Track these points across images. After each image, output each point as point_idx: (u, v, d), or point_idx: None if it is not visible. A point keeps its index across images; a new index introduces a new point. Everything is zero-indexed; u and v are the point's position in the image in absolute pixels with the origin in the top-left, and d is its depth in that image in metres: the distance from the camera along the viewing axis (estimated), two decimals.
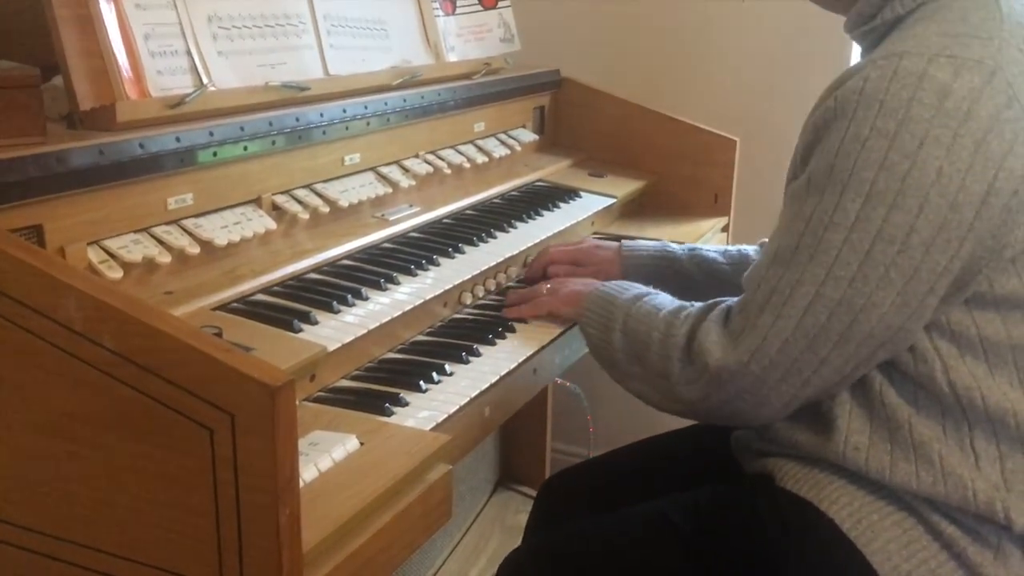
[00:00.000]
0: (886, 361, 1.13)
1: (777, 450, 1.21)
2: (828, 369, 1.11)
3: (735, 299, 1.19)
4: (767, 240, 1.21)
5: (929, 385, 1.11)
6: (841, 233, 1.07)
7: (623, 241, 1.66)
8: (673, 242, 1.68)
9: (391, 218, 1.59)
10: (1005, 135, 1.03)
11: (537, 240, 1.69)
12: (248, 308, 1.24)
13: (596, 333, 1.31)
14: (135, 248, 1.20)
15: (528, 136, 2.10)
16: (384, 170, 1.66)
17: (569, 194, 1.94)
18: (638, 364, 1.24)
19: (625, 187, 2.05)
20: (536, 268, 1.64)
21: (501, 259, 1.58)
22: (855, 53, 2.24)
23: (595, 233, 1.95)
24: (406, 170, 1.70)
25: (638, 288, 1.33)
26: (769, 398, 1.13)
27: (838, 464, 1.15)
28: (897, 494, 1.14)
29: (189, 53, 1.34)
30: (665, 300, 1.28)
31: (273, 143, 1.41)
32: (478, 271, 1.51)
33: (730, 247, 1.61)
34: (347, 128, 1.56)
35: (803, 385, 1.12)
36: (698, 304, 1.24)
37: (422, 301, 1.36)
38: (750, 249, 1.58)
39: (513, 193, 1.90)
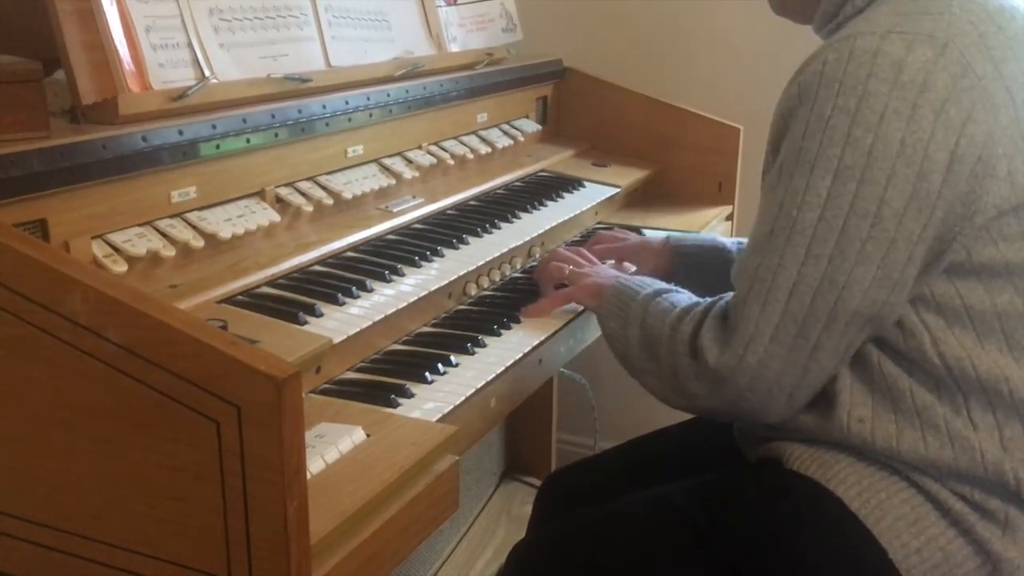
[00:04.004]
0: (877, 337, 1.14)
1: (782, 435, 1.22)
2: (823, 353, 1.12)
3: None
4: None
5: (920, 359, 1.12)
6: (814, 212, 1.08)
7: (670, 234, 1.65)
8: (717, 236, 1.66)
9: (395, 210, 1.59)
10: (963, 103, 1.06)
11: (541, 230, 1.69)
12: (253, 301, 1.24)
13: (614, 326, 1.30)
14: (139, 242, 1.20)
15: (531, 126, 2.10)
16: (387, 162, 1.66)
17: (573, 184, 1.94)
18: (652, 360, 1.24)
19: (629, 176, 2.05)
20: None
21: (505, 250, 1.57)
22: None
23: (599, 223, 1.94)
24: (409, 161, 1.70)
25: (658, 284, 1.32)
26: (772, 393, 1.13)
27: (844, 441, 1.16)
28: (905, 471, 1.14)
29: (191, 45, 1.34)
30: (683, 297, 1.27)
31: (276, 135, 1.41)
32: (483, 262, 1.51)
33: None
34: (350, 120, 1.55)
35: (803, 373, 1.12)
36: (708, 300, 1.24)
37: (427, 293, 1.36)
38: None
39: (516, 184, 1.90)
